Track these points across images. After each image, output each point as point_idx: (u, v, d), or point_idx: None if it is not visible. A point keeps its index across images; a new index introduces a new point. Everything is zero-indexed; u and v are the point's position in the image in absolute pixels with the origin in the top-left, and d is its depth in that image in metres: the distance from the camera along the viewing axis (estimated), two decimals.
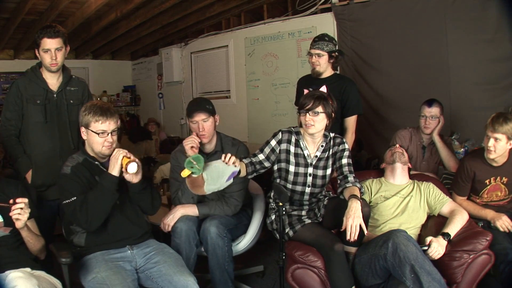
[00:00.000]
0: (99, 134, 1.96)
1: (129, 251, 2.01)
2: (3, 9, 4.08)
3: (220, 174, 1.92)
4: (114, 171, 1.91)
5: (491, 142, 2.21)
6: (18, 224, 1.76)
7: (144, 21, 4.74)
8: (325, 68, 2.75)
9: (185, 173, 1.92)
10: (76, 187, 1.95)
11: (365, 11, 3.96)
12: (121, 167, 1.91)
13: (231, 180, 1.95)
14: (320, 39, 2.72)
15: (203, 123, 2.32)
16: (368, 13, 3.94)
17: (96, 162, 2.04)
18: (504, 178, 2.32)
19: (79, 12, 4.25)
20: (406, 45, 3.75)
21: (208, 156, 2.40)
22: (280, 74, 4.72)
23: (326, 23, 4.24)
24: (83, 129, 2.01)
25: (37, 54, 2.32)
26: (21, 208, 1.73)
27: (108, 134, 1.97)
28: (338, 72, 2.89)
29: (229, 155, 1.94)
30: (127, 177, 1.94)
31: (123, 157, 1.91)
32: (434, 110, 2.72)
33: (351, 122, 2.77)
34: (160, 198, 2.22)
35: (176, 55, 5.92)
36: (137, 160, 1.94)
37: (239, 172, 1.99)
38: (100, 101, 2.14)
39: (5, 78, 5.67)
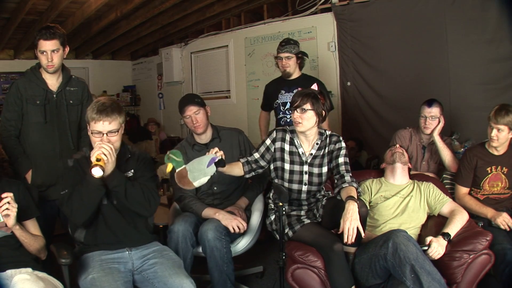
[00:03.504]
0: (93, 134, 1.89)
1: (127, 252, 1.98)
2: (3, 9, 4.09)
3: (199, 162, 1.97)
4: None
5: (494, 132, 2.37)
6: (9, 222, 1.76)
7: (144, 21, 4.74)
8: (294, 69, 3.06)
9: (168, 167, 1.98)
10: (71, 180, 1.91)
11: (365, 11, 3.96)
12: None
13: (214, 167, 1.95)
14: (287, 43, 3.00)
15: (196, 115, 2.47)
16: (368, 13, 3.94)
17: None
18: (504, 168, 2.43)
19: (79, 12, 4.25)
20: (406, 45, 3.75)
21: (207, 146, 2.54)
22: (280, 73, 4.72)
23: (326, 23, 4.24)
24: (88, 126, 1.94)
25: (36, 55, 2.33)
26: (8, 203, 1.74)
27: (103, 135, 1.88)
28: (304, 71, 3.22)
29: (212, 149, 2.01)
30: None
31: (98, 154, 1.80)
32: (434, 111, 2.72)
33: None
34: (155, 198, 2.02)
35: (176, 55, 5.92)
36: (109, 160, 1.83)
37: (222, 162, 2.00)
38: (106, 98, 1.97)
39: (5, 78, 5.67)
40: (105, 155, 1.80)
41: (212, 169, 1.96)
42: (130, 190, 1.92)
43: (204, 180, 1.98)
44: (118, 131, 1.91)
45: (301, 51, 3.05)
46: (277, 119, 3.21)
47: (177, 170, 1.98)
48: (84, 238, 1.98)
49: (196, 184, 1.97)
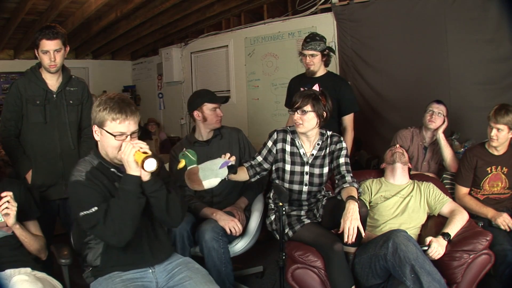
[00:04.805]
0: (115, 137, 1.60)
1: (150, 270, 1.73)
2: (3, 9, 4.09)
3: (213, 163, 1.95)
4: (132, 170, 1.56)
5: (494, 132, 2.37)
6: (9, 221, 1.77)
7: (144, 21, 4.74)
8: (319, 66, 2.82)
9: (181, 164, 1.91)
10: (95, 196, 1.60)
11: (365, 11, 3.96)
12: (137, 164, 1.55)
13: (226, 170, 1.94)
14: (312, 40, 2.77)
15: (219, 110, 2.56)
16: (368, 13, 3.94)
17: (112, 169, 1.70)
18: (504, 168, 2.43)
19: (79, 12, 4.25)
20: (406, 45, 3.75)
21: (208, 143, 2.58)
22: (280, 74, 4.72)
23: (326, 23, 4.24)
24: (95, 128, 1.65)
25: (37, 55, 2.32)
26: (8, 202, 1.74)
27: (126, 137, 1.62)
28: (329, 69, 3.01)
29: (223, 155, 2.00)
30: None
31: (136, 151, 1.55)
32: (441, 107, 2.76)
33: (349, 120, 2.85)
34: (186, 206, 1.83)
35: (176, 55, 5.92)
36: (153, 154, 1.59)
37: (234, 167, 2.01)
38: (118, 94, 1.69)
39: (5, 78, 5.67)
40: (145, 153, 1.55)
41: (224, 171, 1.93)
42: (170, 195, 1.67)
43: (214, 181, 1.93)
44: (139, 131, 1.69)
45: (328, 47, 2.84)
46: None
47: (188, 168, 1.94)
48: (100, 261, 1.70)
49: (206, 184, 1.92)
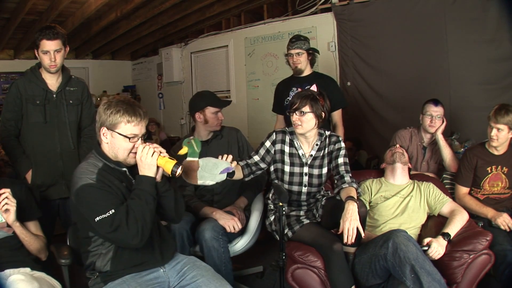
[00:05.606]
0: (130, 139, 1.62)
1: (162, 270, 1.73)
2: (3, 9, 4.09)
3: (215, 165, 1.89)
4: (150, 172, 1.61)
5: (494, 132, 2.36)
6: (9, 218, 1.77)
7: (144, 21, 4.74)
8: (305, 65, 2.92)
9: (183, 150, 1.84)
10: (110, 198, 1.59)
11: (365, 11, 3.96)
12: (158, 168, 1.62)
13: (225, 176, 1.90)
14: (297, 39, 2.90)
15: (221, 113, 2.58)
16: (368, 13, 3.94)
17: (124, 169, 1.70)
18: (504, 168, 2.43)
19: (79, 12, 4.25)
20: (406, 45, 3.75)
21: (208, 142, 2.57)
22: (280, 74, 4.71)
23: (326, 23, 4.24)
24: (104, 130, 1.64)
25: (37, 55, 2.33)
26: (7, 198, 1.74)
27: (138, 139, 1.65)
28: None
29: (225, 155, 1.97)
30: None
31: (159, 156, 1.61)
32: (440, 110, 2.74)
33: (338, 115, 2.95)
34: (184, 203, 1.89)
35: (176, 55, 5.92)
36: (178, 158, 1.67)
37: (234, 173, 1.99)
38: (123, 96, 1.72)
39: (5, 78, 5.67)
40: (171, 159, 1.61)
41: (222, 177, 1.90)
42: (176, 194, 1.75)
43: (209, 183, 1.90)
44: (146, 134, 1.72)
45: (312, 47, 2.96)
46: (287, 117, 3.16)
47: (188, 159, 1.86)
48: (111, 266, 1.66)
49: (200, 183, 1.90)
